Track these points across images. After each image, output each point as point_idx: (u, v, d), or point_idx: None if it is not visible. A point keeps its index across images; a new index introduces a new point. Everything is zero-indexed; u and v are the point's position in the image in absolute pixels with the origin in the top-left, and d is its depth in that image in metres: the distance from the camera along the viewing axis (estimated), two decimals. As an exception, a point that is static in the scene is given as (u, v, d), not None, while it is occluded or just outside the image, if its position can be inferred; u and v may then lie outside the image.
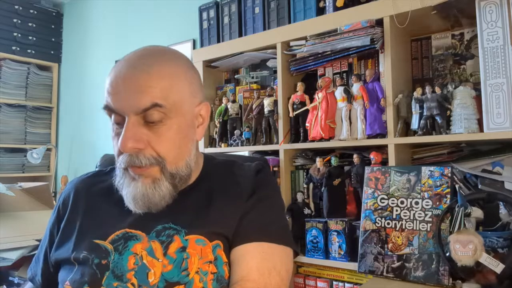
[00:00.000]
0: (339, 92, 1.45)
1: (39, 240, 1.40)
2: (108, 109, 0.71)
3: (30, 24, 3.16)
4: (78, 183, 0.86)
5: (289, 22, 1.68)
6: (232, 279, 0.72)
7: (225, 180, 0.81)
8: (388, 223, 1.25)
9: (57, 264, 0.78)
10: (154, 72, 0.70)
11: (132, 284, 0.69)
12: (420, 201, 1.21)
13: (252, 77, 1.85)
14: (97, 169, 0.92)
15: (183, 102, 0.73)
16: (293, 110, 1.55)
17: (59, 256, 0.77)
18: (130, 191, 0.71)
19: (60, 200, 0.85)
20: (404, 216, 1.23)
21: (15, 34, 3.08)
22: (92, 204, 0.80)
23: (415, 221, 1.20)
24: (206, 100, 0.81)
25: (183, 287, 0.69)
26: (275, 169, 1.62)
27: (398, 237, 1.22)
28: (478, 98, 1.21)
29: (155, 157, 0.70)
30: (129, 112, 0.68)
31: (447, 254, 1.09)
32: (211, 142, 1.90)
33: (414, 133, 1.33)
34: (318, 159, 1.52)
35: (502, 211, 1.16)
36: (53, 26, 3.32)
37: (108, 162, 1.03)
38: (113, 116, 0.71)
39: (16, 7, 3.08)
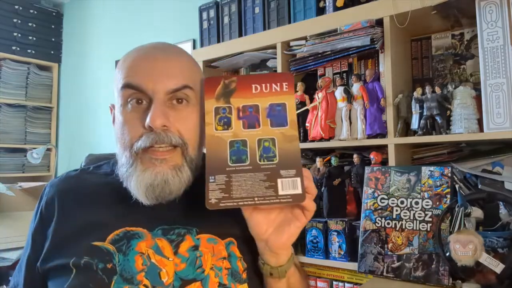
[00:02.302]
0: (339, 92, 1.45)
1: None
2: (133, 87, 0.69)
3: (30, 24, 3.16)
4: (60, 184, 0.79)
5: (289, 22, 1.67)
6: None
7: None
8: (388, 223, 1.25)
9: (47, 272, 0.72)
10: (183, 60, 0.75)
11: (145, 286, 0.66)
12: (420, 201, 1.21)
13: (252, 77, 1.85)
14: (78, 169, 0.86)
15: (199, 93, 0.75)
16: (293, 110, 1.55)
17: (52, 263, 0.70)
18: (146, 178, 0.68)
19: (42, 204, 0.78)
20: (404, 216, 1.23)
21: (15, 34, 3.08)
22: (82, 204, 0.75)
23: (415, 221, 1.20)
24: None
25: (200, 283, 0.68)
26: (275, 169, 1.62)
27: (398, 237, 1.22)
28: (478, 98, 1.21)
29: (180, 137, 0.70)
30: (159, 91, 0.69)
31: (447, 254, 1.09)
32: (211, 142, 1.89)
33: (414, 133, 1.33)
34: (318, 159, 1.52)
35: (502, 211, 1.16)
36: (53, 26, 3.32)
37: (94, 162, 0.95)
38: (131, 99, 0.70)
39: (16, 7, 3.08)
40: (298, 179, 0.64)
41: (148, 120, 0.67)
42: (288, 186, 0.64)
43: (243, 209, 0.68)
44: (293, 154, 0.66)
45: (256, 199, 0.63)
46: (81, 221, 0.72)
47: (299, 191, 0.63)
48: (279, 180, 0.64)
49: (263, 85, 0.70)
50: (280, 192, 0.63)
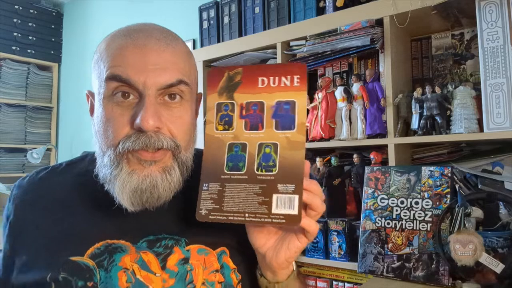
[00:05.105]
0: (339, 92, 1.45)
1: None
2: (121, 80, 0.60)
3: (30, 24, 3.16)
4: (29, 188, 0.71)
5: (289, 22, 1.67)
6: None
7: None
8: (388, 223, 1.25)
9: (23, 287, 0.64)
10: (179, 50, 0.65)
11: None
12: (420, 201, 1.21)
13: (252, 77, 1.84)
14: (49, 167, 0.76)
15: (195, 86, 0.68)
16: (293, 110, 1.55)
17: (28, 279, 0.63)
18: (132, 181, 0.60)
19: (10, 210, 0.69)
20: (404, 216, 1.23)
21: (15, 34, 3.08)
22: (55, 212, 0.67)
23: (415, 221, 1.20)
24: None
25: None
26: (275, 169, 1.62)
27: (398, 237, 1.22)
28: (478, 98, 1.21)
29: (172, 139, 0.62)
30: (151, 86, 0.60)
31: (447, 254, 1.09)
32: (211, 142, 1.89)
33: (414, 133, 1.33)
34: (318, 159, 1.52)
35: (502, 211, 1.16)
36: (53, 26, 3.32)
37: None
38: (117, 91, 0.61)
39: (16, 7, 3.08)
40: (296, 197, 0.55)
41: (138, 120, 0.59)
42: (283, 204, 0.56)
43: None
44: (296, 164, 0.57)
45: (246, 215, 0.56)
46: (55, 232, 0.65)
47: (294, 211, 0.55)
48: (274, 196, 0.56)
49: (271, 78, 0.60)
50: (274, 211, 0.56)
